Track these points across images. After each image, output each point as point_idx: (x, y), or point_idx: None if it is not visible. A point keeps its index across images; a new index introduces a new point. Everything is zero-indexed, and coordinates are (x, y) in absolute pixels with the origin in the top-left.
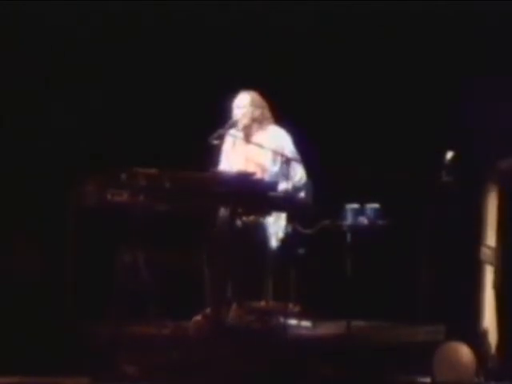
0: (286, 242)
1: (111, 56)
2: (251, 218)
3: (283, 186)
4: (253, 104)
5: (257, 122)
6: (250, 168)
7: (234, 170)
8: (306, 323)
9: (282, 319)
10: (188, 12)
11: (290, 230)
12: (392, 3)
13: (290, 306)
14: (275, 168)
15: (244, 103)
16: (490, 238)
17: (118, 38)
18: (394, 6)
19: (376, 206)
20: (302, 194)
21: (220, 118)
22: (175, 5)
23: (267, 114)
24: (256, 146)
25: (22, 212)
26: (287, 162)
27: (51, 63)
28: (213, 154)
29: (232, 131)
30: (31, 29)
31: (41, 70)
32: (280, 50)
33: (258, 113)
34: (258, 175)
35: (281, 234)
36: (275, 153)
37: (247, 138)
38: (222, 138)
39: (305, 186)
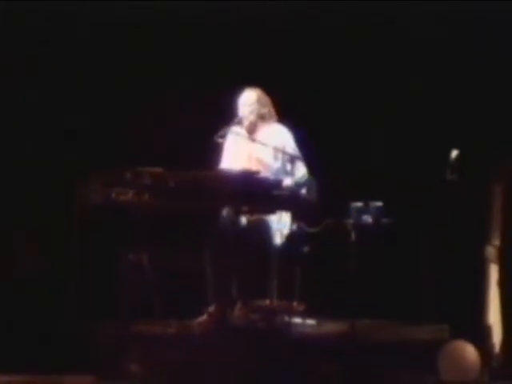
0: (290, 240)
1: (112, 55)
2: (255, 216)
3: (285, 182)
4: (259, 101)
5: (262, 119)
6: (252, 165)
7: (236, 167)
8: (310, 322)
9: (286, 318)
10: (189, 11)
11: (294, 227)
12: (393, 3)
13: (295, 304)
14: (276, 164)
15: (251, 101)
16: (495, 237)
17: (118, 37)
18: (394, 5)
19: (380, 204)
20: (304, 191)
21: (224, 117)
22: (175, 4)
23: (272, 111)
24: (258, 143)
25: (22, 212)
26: (290, 159)
27: (51, 63)
28: (218, 152)
29: (235, 128)
30: (32, 28)
31: (42, 69)
32: (279, 50)
33: (264, 110)
34: (262, 173)
35: (285, 232)
36: (276, 150)
37: (250, 135)
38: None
39: (307, 183)
